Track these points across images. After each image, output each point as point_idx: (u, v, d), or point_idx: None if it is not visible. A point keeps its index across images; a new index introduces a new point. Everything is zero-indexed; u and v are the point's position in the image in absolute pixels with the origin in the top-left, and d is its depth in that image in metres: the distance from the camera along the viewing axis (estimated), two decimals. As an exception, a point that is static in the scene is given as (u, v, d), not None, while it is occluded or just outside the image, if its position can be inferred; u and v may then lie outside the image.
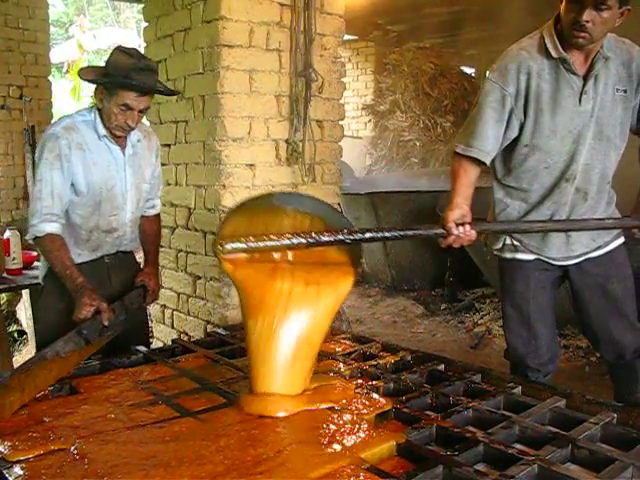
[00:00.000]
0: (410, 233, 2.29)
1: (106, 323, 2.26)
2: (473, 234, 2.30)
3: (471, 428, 1.79)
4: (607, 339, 2.59)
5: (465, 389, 2.08)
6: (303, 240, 1.98)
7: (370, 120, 9.86)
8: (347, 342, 2.60)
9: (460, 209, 2.34)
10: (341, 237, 2.03)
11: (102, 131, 2.47)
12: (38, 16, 6.74)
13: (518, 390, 2.07)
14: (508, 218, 2.60)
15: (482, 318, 5.32)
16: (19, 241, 4.18)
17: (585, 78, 2.39)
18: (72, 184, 2.45)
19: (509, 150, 2.52)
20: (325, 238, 2.00)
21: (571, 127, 2.42)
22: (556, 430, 1.75)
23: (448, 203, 2.38)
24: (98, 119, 2.47)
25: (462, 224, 2.28)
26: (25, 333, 5.29)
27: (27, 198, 6.69)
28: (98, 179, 2.47)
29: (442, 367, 2.28)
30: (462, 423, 1.80)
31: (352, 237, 2.05)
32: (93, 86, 2.49)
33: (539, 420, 1.82)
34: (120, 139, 2.52)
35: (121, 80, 2.34)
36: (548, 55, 2.39)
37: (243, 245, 1.93)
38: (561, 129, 2.42)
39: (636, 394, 2.61)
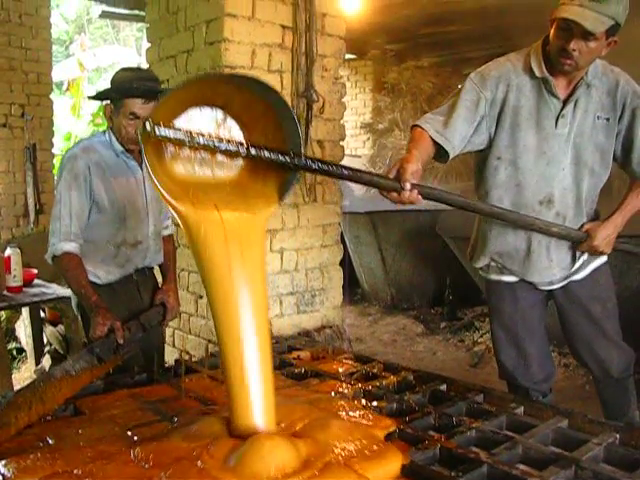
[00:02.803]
0: (364, 177, 2.10)
1: (120, 341, 2.29)
2: (420, 199, 2.17)
3: (475, 449, 1.79)
4: (593, 358, 2.63)
5: (468, 409, 2.09)
6: (242, 150, 1.76)
7: (369, 138, 9.90)
8: (349, 362, 2.60)
9: (416, 163, 2.17)
10: (285, 159, 1.79)
11: (119, 148, 2.59)
12: (41, 36, 6.81)
13: (520, 410, 2.07)
14: (485, 236, 2.62)
15: (482, 336, 5.33)
16: (20, 259, 4.20)
17: (565, 102, 2.43)
18: (96, 203, 2.54)
19: (482, 160, 2.55)
20: (267, 154, 1.77)
21: (545, 148, 2.45)
22: (559, 451, 1.76)
23: (406, 155, 2.23)
24: (113, 138, 2.59)
25: (412, 188, 2.12)
26: (24, 350, 5.28)
27: (27, 215, 6.72)
28: (120, 195, 2.57)
29: (444, 387, 2.28)
30: (466, 444, 1.80)
31: (296, 162, 1.80)
32: (93, 104, 2.59)
33: (542, 440, 1.83)
34: (136, 153, 2.60)
35: (125, 89, 2.46)
36: (532, 74, 2.44)
37: (172, 133, 1.68)
38: (534, 148, 2.46)
39: (629, 414, 2.63)
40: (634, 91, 2.47)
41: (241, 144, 1.76)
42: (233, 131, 1.83)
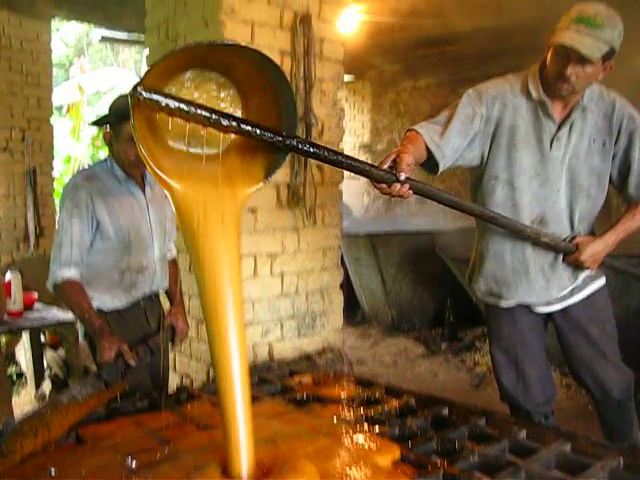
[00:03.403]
0: (356, 166, 1.97)
1: (131, 362, 2.29)
2: (410, 193, 2.11)
3: (478, 474, 1.78)
4: (593, 380, 2.64)
5: (470, 433, 2.08)
6: (234, 124, 1.64)
7: (368, 159, 9.93)
8: (350, 386, 2.60)
9: (412, 156, 2.13)
10: (277, 139, 1.69)
11: (121, 175, 2.61)
12: (41, 61, 6.85)
13: (523, 433, 2.06)
14: (482, 257, 2.63)
15: (483, 357, 5.33)
16: (20, 283, 4.21)
17: (560, 125, 2.46)
18: (100, 231, 2.55)
19: (479, 180, 2.57)
20: (259, 131, 1.67)
21: (539, 169, 2.48)
22: (563, 476, 1.75)
23: (402, 147, 2.19)
24: (115, 165, 2.61)
25: (404, 182, 2.06)
26: (24, 375, 5.26)
27: (28, 239, 6.72)
28: (125, 222, 2.59)
29: (446, 411, 2.28)
30: (469, 469, 1.80)
31: (288, 143, 1.70)
32: (93, 127, 2.62)
33: (545, 465, 1.82)
34: (138, 179, 2.64)
35: (123, 114, 2.45)
36: (529, 95, 2.47)
37: (162, 98, 1.57)
38: (529, 168, 2.48)
39: (632, 436, 2.62)
40: (630, 115, 2.50)
41: (234, 118, 1.66)
42: (232, 100, 1.77)
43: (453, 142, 2.42)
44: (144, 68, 11.69)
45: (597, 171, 2.52)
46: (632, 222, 2.55)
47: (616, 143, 2.51)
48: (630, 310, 4.17)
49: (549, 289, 2.56)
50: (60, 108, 12.45)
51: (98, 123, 2.70)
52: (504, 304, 2.62)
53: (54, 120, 7.23)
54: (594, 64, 2.30)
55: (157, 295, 2.84)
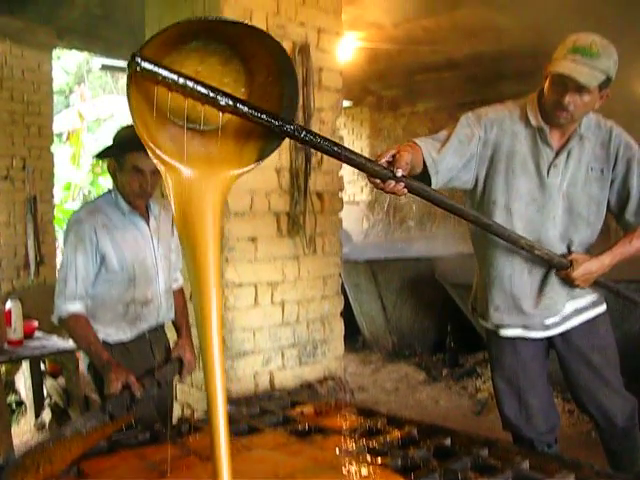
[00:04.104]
0: (353, 159, 1.91)
1: (137, 394, 2.29)
2: (404, 191, 2.07)
3: (481, 507, 1.78)
4: (596, 407, 2.62)
5: (473, 464, 2.07)
6: (230, 102, 1.58)
7: (366, 184, 9.96)
8: (352, 416, 2.59)
9: (411, 156, 2.11)
10: (275, 123, 1.64)
11: (125, 207, 2.61)
12: (42, 90, 6.89)
13: (526, 464, 2.05)
14: (484, 284, 2.64)
15: (484, 383, 5.31)
16: (20, 311, 4.21)
17: (558, 152, 2.48)
18: (105, 264, 2.55)
19: (478, 205, 2.58)
20: (256, 114, 1.61)
21: (536, 195, 2.50)
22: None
23: (401, 146, 2.16)
24: (119, 197, 2.61)
25: (400, 180, 2.03)
26: (23, 403, 5.24)
27: (28, 267, 6.71)
28: (129, 255, 2.59)
29: (448, 441, 2.27)
30: (472, 501, 1.80)
31: (286, 129, 1.65)
32: (93, 153, 2.63)
33: (549, 496, 1.82)
34: (142, 210, 2.64)
35: (126, 144, 2.49)
36: (527, 122, 2.49)
37: (160, 70, 1.51)
38: (526, 194, 2.50)
39: (637, 465, 2.61)
40: (627, 142, 2.53)
41: (232, 97, 1.59)
42: (236, 74, 1.70)
43: (449, 160, 2.42)
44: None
45: (596, 199, 2.54)
46: (629, 247, 2.56)
47: (613, 171, 2.53)
48: (631, 335, 4.17)
49: (550, 312, 2.57)
50: (60, 135, 12.52)
51: (102, 155, 2.70)
52: (507, 332, 2.62)
53: (54, 147, 7.27)
54: (591, 93, 2.33)
55: (162, 326, 2.83)
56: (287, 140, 3.45)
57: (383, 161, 2.03)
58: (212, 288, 1.54)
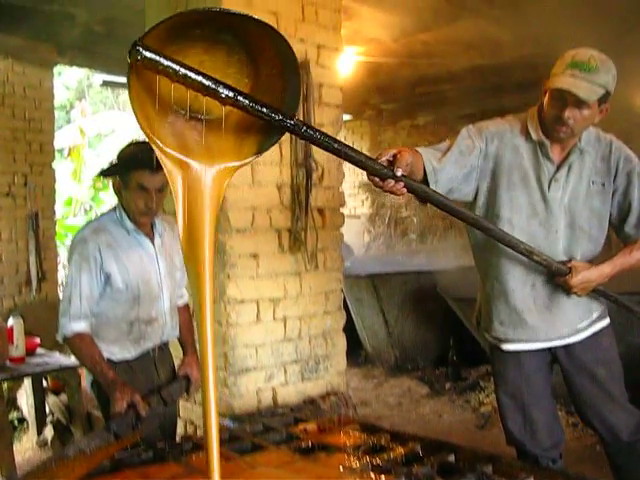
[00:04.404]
0: (352, 156, 1.87)
1: (143, 413, 2.28)
2: (404, 191, 2.05)
3: (486, 525, 1.77)
4: (601, 422, 2.61)
5: (477, 481, 2.07)
6: (230, 94, 1.57)
7: (367, 198, 9.99)
8: (355, 432, 2.59)
9: (411, 157, 2.09)
10: (275, 117, 1.62)
11: (130, 226, 2.60)
12: (44, 106, 6.93)
13: (531, 480, 2.05)
14: (489, 298, 2.64)
15: (487, 397, 5.29)
16: (22, 329, 4.20)
17: (559, 167, 2.49)
18: (109, 283, 2.55)
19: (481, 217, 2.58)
20: (258, 107, 1.59)
21: (538, 209, 2.51)
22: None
23: (402, 148, 2.14)
24: (124, 214, 2.60)
25: (400, 179, 2.02)
26: (25, 420, 5.22)
27: (30, 283, 6.72)
28: (134, 274, 2.58)
29: (452, 457, 2.26)
30: (476, 519, 1.79)
31: (286, 124, 1.63)
32: (94, 168, 2.62)
33: (554, 515, 1.81)
34: (147, 229, 2.63)
35: (131, 162, 2.50)
36: (528, 136, 2.51)
37: (162, 59, 1.49)
38: (527, 208, 2.51)
39: None
40: (626, 156, 2.54)
41: (233, 90, 1.58)
42: (240, 64, 1.69)
43: (449, 170, 2.42)
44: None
45: (598, 212, 2.55)
46: (629, 257, 2.56)
47: (614, 184, 2.54)
48: (634, 348, 4.16)
49: (555, 326, 2.56)
50: (61, 150, 12.56)
51: (107, 173, 2.69)
52: (511, 347, 2.62)
53: (55, 163, 7.29)
54: (591, 107, 2.35)
55: (167, 344, 2.83)
56: (288, 157, 3.52)
57: (383, 159, 2.02)
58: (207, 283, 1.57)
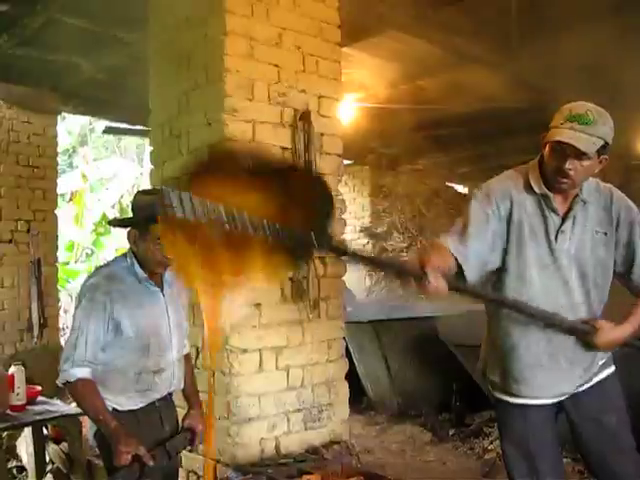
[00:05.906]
0: (387, 262, 2.07)
1: (150, 463, 2.25)
2: (445, 289, 2.19)
3: None
4: (609, 473, 2.57)
5: (482, 535, 2.05)
6: (261, 230, 1.75)
7: (368, 242, 10.02)
8: (359, 484, 2.57)
9: (443, 256, 2.27)
10: (309, 240, 1.78)
11: (141, 275, 2.58)
12: (47, 153, 7.01)
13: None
14: (496, 351, 2.63)
15: (492, 443, 5.23)
16: (23, 377, 4.19)
17: (564, 218, 2.52)
18: (119, 332, 2.51)
19: (491, 274, 2.58)
20: (291, 236, 1.78)
21: (548, 262, 2.51)
22: None
23: (431, 247, 2.33)
24: (136, 263, 2.58)
25: (437, 277, 2.16)
26: (25, 469, 5.16)
27: (31, 330, 6.70)
28: (145, 322, 2.56)
29: (457, 510, 2.25)
30: None
31: (322, 246, 1.79)
32: (95, 213, 2.61)
33: None
34: (157, 278, 2.62)
35: (149, 217, 2.41)
36: (531, 190, 2.53)
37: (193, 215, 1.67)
38: (537, 262, 2.51)
39: None
40: (627, 206, 2.56)
41: (264, 226, 1.73)
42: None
43: (474, 247, 2.45)
44: (146, 154, 11.92)
45: (602, 261, 2.56)
46: None
47: (617, 233, 2.56)
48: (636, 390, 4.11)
49: (569, 381, 2.55)
50: (63, 195, 12.64)
51: (122, 224, 2.68)
52: (519, 401, 2.60)
53: (57, 208, 7.34)
54: (590, 158, 2.38)
55: (171, 395, 2.78)
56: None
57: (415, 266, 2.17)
58: None
